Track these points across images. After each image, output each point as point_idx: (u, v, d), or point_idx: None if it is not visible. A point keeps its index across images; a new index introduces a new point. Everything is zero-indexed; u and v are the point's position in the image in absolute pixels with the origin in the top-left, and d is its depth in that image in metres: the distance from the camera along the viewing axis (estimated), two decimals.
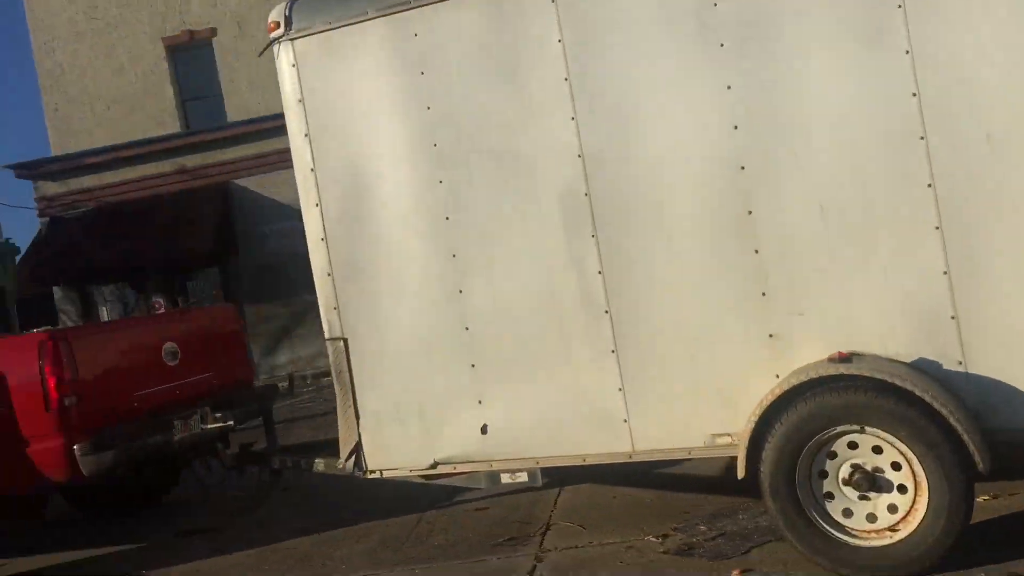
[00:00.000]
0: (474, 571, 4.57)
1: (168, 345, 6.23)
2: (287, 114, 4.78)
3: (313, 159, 4.69)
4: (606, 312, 4.21)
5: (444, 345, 4.51)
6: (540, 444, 4.39)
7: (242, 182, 19.39)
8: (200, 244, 18.46)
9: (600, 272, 4.20)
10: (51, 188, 19.88)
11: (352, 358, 4.69)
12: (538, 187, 4.29)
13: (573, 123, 4.18)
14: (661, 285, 4.11)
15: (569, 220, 4.24)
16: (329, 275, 4.72)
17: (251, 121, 19.11)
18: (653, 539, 4.57)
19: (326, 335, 4.79)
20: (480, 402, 4.47)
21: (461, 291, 4.46)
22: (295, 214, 17.49)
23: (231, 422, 6.27)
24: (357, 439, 4.73)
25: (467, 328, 4.47)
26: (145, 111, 21.10)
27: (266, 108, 20.29)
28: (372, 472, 4.73)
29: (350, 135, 4.62)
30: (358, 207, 4.62)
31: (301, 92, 4.69)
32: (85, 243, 19.07)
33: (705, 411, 4.06)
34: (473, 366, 4.47)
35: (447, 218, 4.46)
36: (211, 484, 6.12)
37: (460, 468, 4.57)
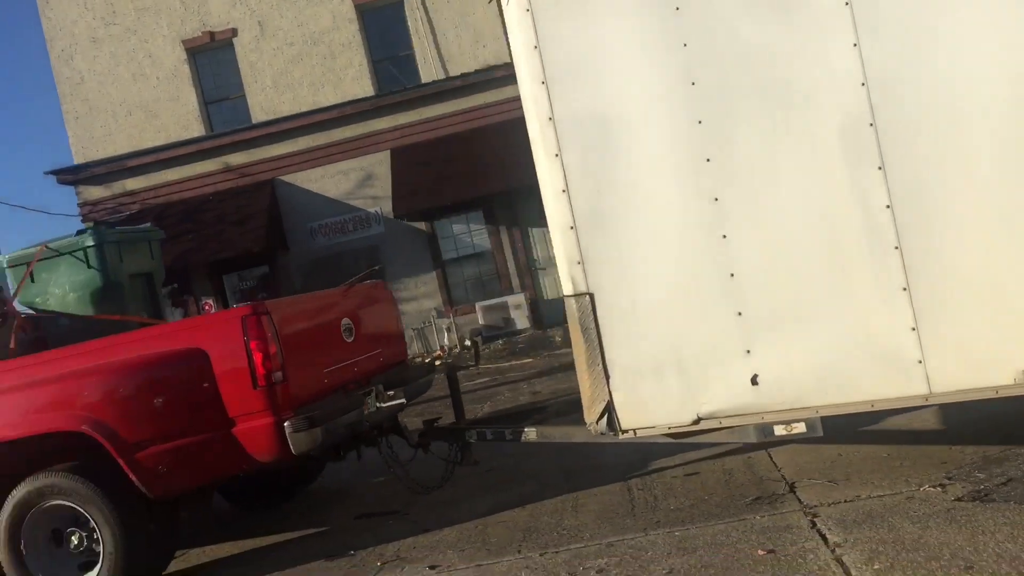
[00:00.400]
0: (745, 529, 4.36)
1: (345, 321, 6.02)
2: (519, 63, 4.56)
3: (551, 107, 4.47)
4: (896, 248, 4.00)
5: (706, 294, 4.31)
6: (819, 392, 4.18)
7: (288, 178, 19.17)
8: (250, 242, 18.23)
9: (888, 206, 4.00)
10: (94, 193, 19.65)
11: (599, 314, 4.48)
12: (813, 121, 4.08)
13: (855, 49, 3.97)
14: (960, 216, 3.90)
15: (851, 153, 4.03)
16: (572, 228, 4.51)
17: (296, 116, 18.94)
18: (931, 488, 4.36)
19: (567, 291, 4.58)
20: (748, 352, 4.27)
21: (725, 236, 4.26)
22: (344, 208, 17.33)
23: (403, 400, 6.07)
24: (608, 399, 4.52)
25: (732, 275, 4.26)
26: (168, 115, 20.87)
27: (291, 107, 20.14)
28: (625, 432, 4.52)
29: (594, 80, 4.41)
30: (604, 155, 4.41)
31: (536, 38, 4.47)
32: None
33: (1015, 347, 3.85)
34: (740, 314, 4.26)
35: (708, 160, 4.25)
36: (395, 463, 5.89)
37: (726, 423, 4.36)
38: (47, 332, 6.60)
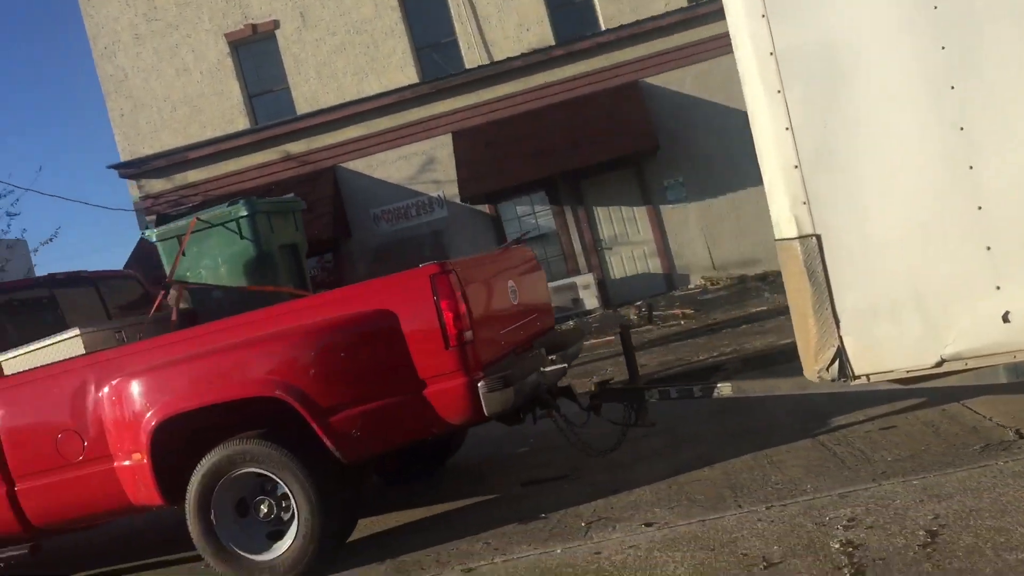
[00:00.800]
0: (994, 474, 4.17)
1: (511, 283, 5.88)
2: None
3: (772, 42, 4.28)
4: None
5: (949, 229, 4.12)
6: None
7: (349, 165, 19.09)
8: (316, 229, 18.10)
9: None
10: (156, 186, 19.65)
11: (827, 255, 4.30)
12: None
13: None
14: None
15: None
16: (796, 168, 4.33)
17: (356, 102, 18.86)
18: None
19: (788, 235, 4.40)
20: (998, 288, 4.07)
21: (971, 167, 4.06)
22: (406, 193, 17.15)
23: (566, 364, 5.92)
24: (838, 344, 4.33)
25: (980, 207, 4.07)
26: (213, 110, 20.83)
27: (336, 97, 20.03)
28: (858, 378, 4.34)
29: (821, 9, 4.21)
30: (833, 88, 4.23)
31: None
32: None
33: None
34: (988, 249, 4.07)
35: (952, 87, 4.05)
36: (565, 427, 5.73)
37: (973, 363, 4.17)
38: (198, 305, 6.50)
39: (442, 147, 18.65)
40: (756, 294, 15.09)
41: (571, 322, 15.86)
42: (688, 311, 14.38)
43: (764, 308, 12.73)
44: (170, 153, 19.23)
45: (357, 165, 19.10)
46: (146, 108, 20.94)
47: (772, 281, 16.38)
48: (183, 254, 6.37)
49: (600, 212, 18.52)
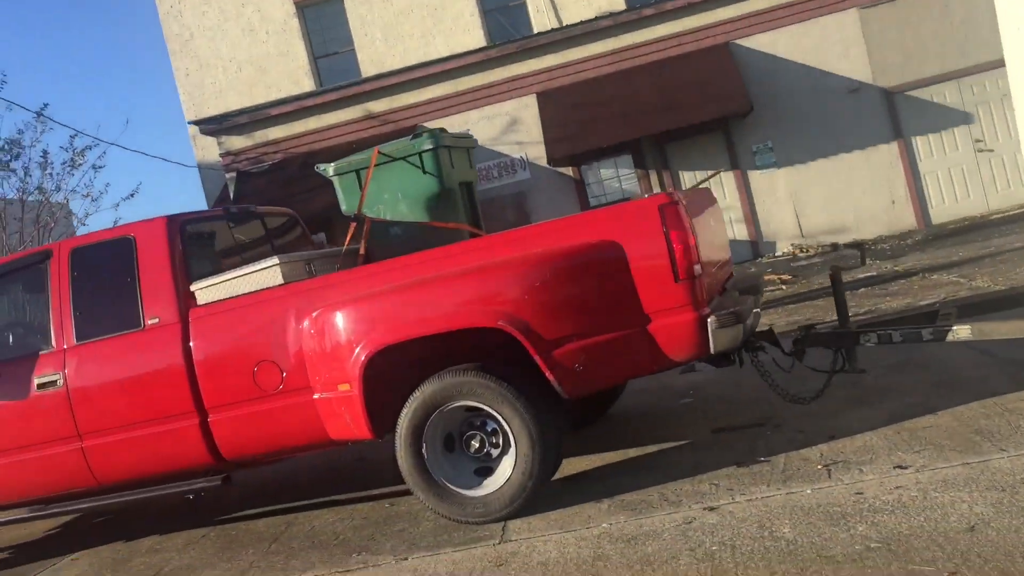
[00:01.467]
0: None
1: (712, 221, 5.67)
2: None
3: None
4: None
5: None
6: None
7: (431, 125, 18.87)
8: None
9: None
10: (237, 142, 19.58)
11: None
12: None
13: None
14: None
15: None
16: None
17: (440, 60, 18.68)
18: None
19: None
20: None
21: None
22: (489, 154, 16.96)
23: (758, 309, 5.71)
24: None
25: None
26: (278, 71, 20.73)
27: (401, 60, 19.84)
28: None
29: None
30: None
31: None
32: (274, 196, 18.75)
33: None
34: None
35: None
36: (768, 373, 5.53)
37: None
38: (374, 241, 6.34)
39: (526, 108, 18.42)
40: (853, 260, 14.76)
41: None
42: (785, 277, 14.11)
43: (873, 273, 12.42)
44: (252, 110, 19.13)
45: (441, 124, 18.88)
46: (211, 68, 20.89)
47: (867, 248, 16.05)
48: (359, 187, 6.21)
49: (685, 176, 18.22)
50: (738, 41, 17.79)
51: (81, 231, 19.07)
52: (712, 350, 4.78)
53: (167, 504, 7.15)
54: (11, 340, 6.05)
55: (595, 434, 6.34)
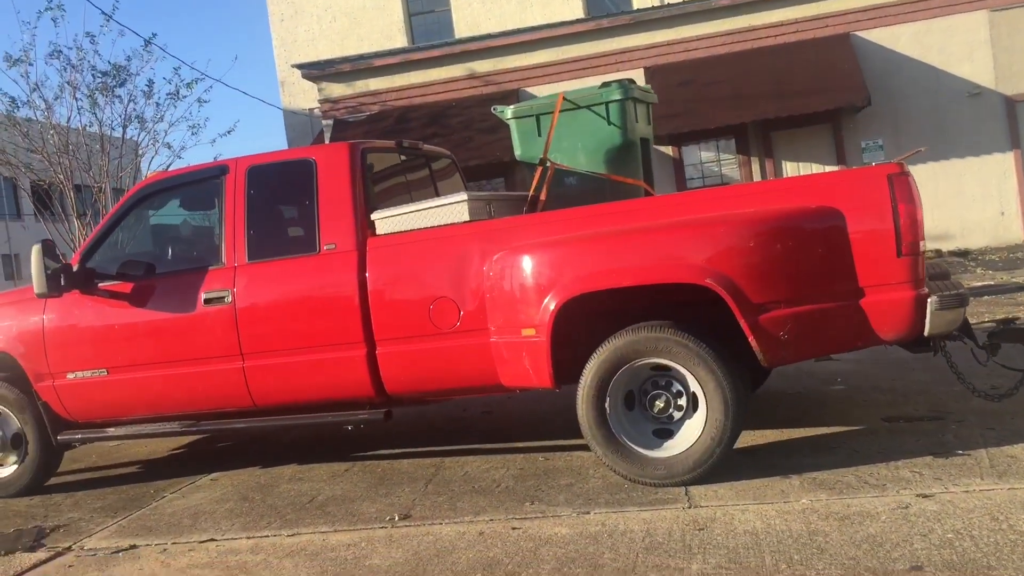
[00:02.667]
0: None
1: None
2: None
3: None
4: None
5: None
6: None
7: (534, 90, 18.73)
8: (497, 152, 17.85)
9: None
10: (337, 90, 19.52)
11: None
12: None
13: None
14: None
15: None
16: None
17: (547, 26, 18.45)
18: None
19: None
20: None
21: None
22: None
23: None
24: None
25: None
26: (371, 24, 20.70)
27: (497, 24, 19.62)
28: None
29: None
30: None
31: None
32: None
33: None
34: None
35: None
36: (958, 367, 5.26)
37: None
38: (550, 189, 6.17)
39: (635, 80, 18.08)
40: (962, 268, 14.31)
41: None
42: None
43: (987, 282, 12.01)
44: (356, 59, 19.07)
45: (542, 91, 18.62)
46: (306, 16, 20.93)
47: (974, 258, 15.57)
48: (538, 134, 6.04)
49: (788, 167, 17.82)
50: (858, 33, 17.30)
51: (176, 164, 19.19)
52: (926, 332, 4.55)
53: (300, 434, 7.11)
54: (180, 253, 5.98)
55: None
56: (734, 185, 5.00)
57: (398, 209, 5.43)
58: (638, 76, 17.92)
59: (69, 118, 16.56)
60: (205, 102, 21.11)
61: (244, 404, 5.71)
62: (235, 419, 5.80)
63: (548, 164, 5.76)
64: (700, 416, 4.68)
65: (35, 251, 5.67)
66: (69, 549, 4.92)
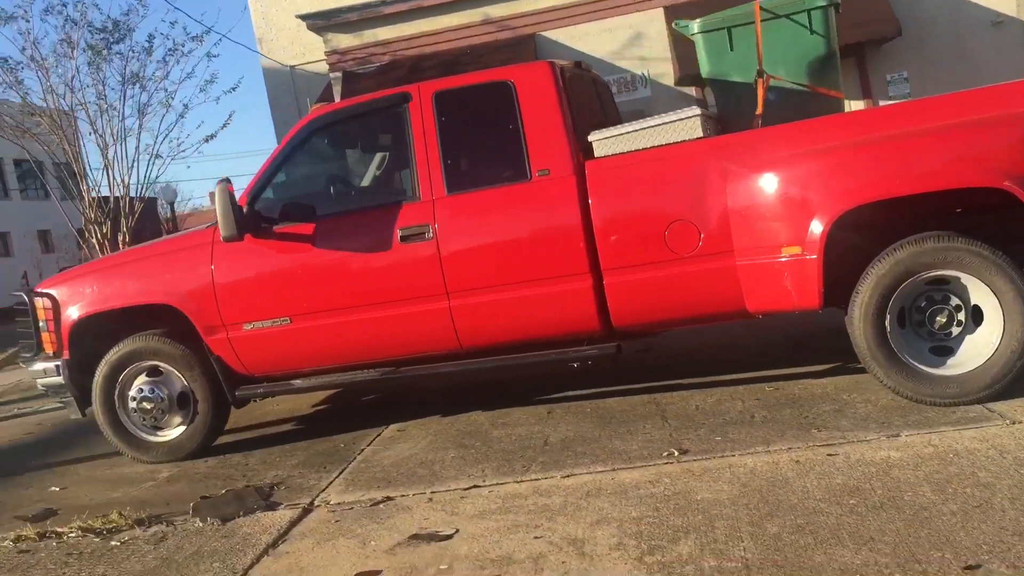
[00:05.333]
0: None
1: None
2: None
3: None
4: None
5: None
6: None
7: (550, 34, 18.21)
8: None
9: None
10: (344, 41, 18.83)
11: None
12: None
13: None
14: None
15: None
16: None
17: None
18: None
19: None
20: None
21: None
22: (608, 69, 16.27)
23: None
24: None
25: None
26: None
27: None
28: None
29: None
30: None
31: None
32: None
33: None
34: None
35: None
36: None
37: None
38: (740, 107, 5.86)
39: (651, 22, 17.71)
40: None
41: None
42: None
43: None
44: (363, 7, 18.35)
45: (559, 35, 18.21)
46: None
47: None
48: (730, 48, 5.70)
49: None
50: None
51: (182, 124, 18.44)
52: None
53: (440, 384, 6.76)
54: (362, 189, 5.55)
55: None
56: (987, 87, 4.69)
57: (617, 129, 5.08)
58: (658, 15, 17.54)
59: (74, 76, 15.70)
60: (215, 56, 20.15)
61: (449, 347, 5.35)
62: (442, 363, 5.42)
63: (764, 76, 5.41)
64: (989, 329, 4.46)
65: (220, 191, 5.21)
66: (313, 504, 4.55)
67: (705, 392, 5.48)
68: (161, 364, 5.76)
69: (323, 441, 5.79)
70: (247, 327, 5.55)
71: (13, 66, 15.92)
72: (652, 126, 4.98)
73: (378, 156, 5.88)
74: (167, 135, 16.91)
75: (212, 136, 17.44)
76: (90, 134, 16.55)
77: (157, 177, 17.98)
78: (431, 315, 5.26)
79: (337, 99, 18.40)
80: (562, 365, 5.32)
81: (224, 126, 21.34)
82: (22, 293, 5.96)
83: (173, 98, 17.85)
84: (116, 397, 5.80)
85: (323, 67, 22.03)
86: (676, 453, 4.44)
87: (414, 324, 5.31)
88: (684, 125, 4.92)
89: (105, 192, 16.39)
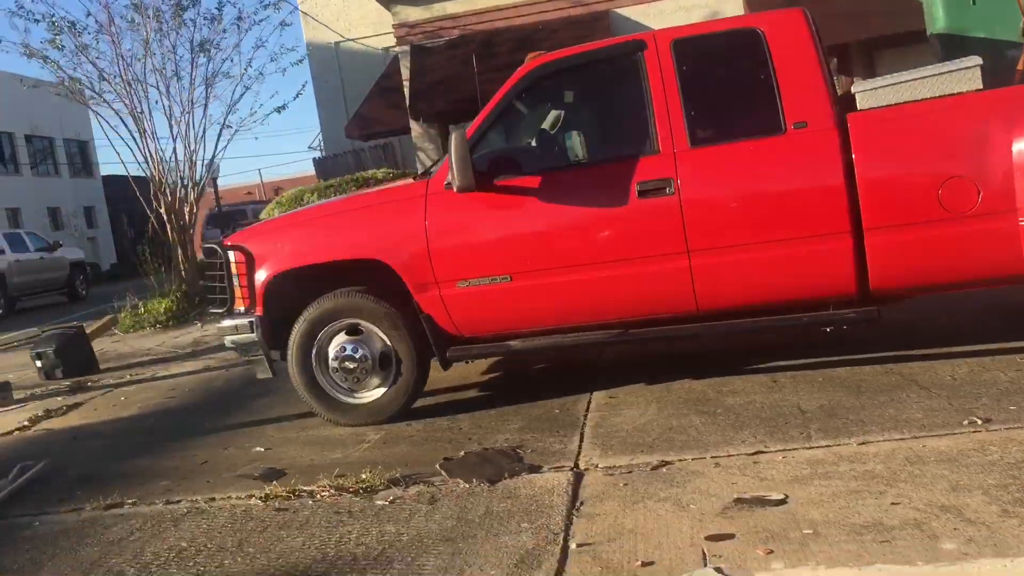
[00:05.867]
0: None
1: None
2: None
3: None
4: None
5: None
6: None
7: (624, 11, 17.93)
8: None
9: None
10: (413, 14, 18.53)
11: None
12: None
13: None
14: None
15: None
16: None
17: None
18: None
19: None
20: None
21: None
22: None
23: None
24: None
25: None
26: None
27: None
28: None
29: None
30: None
31: None
32: (452, 74, 17.86)
33: None
34: None
35: None
36: None
37: None
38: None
39: (728, 1, 17.40)
40: None
41: None
42: None
43: None
44: None
45: (633, 12, 17.93)
46: None
47: None
48: (972, 3, 5.40)
49: None
50: None
51: (247, 97, 18.12)
52: None
53: (616, 351, 6.49)
54: (590, 141, 5.26)
55: None
56: None
57: (884, 80, 4.81)
58: None
59: (148, 39, 15.38)
60: (288, 25, 19.88)
61: (684, 308, 5.09)
62: (674, 326, 5.15)
63: None
64: None
65: (456, 137, 4.93)
66: (578, 467, 4.28)
67: (946, 363, 5.20)
68: (362, 322, 5.48)
69: (532, 407, 5.51)
70: (461, 285, 5.27)
71: (80, 31, 15.62)
72: (926, 76, 4.70)
73: (605, 108, 5.58)
74: (235, 104, 16.59)
75: (284, 107, 16.95)
76: (156, 102, 16.25)
77: (225, 147, 17.65)
78: (669, 274, 4.99)
79: (405, 74, 18.11)
80: (742, 335, 4.99)
81: (297, 96, 20.94)
82: (214, 246, 5.68)
83: (250, 65, 17.56)
84: (313, 356, 5.52)
85: (370, 44, 21.83)
86: (978, 422, 4.16)
87: (649, 284, 5.04)
88: (963, 76, 4.64)
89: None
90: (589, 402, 5.46)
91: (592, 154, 5.20)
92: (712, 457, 4.19)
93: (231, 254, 5.58)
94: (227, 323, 5.67)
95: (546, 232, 5.15)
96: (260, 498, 4.32)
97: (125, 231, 37.27)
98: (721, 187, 4.95)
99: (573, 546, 3.38)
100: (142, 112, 15.63)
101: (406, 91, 17.72)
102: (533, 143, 5.55)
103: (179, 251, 15.81)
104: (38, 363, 9.54)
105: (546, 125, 5.30)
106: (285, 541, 3.78)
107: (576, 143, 5.09)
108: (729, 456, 4.18)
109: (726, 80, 5.15)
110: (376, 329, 5.46)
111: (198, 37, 16.39)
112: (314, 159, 26.05)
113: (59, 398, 8.13)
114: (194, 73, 16.43)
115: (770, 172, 4.89)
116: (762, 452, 4.17)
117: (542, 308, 5.23)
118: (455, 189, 4.96)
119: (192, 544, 3.86)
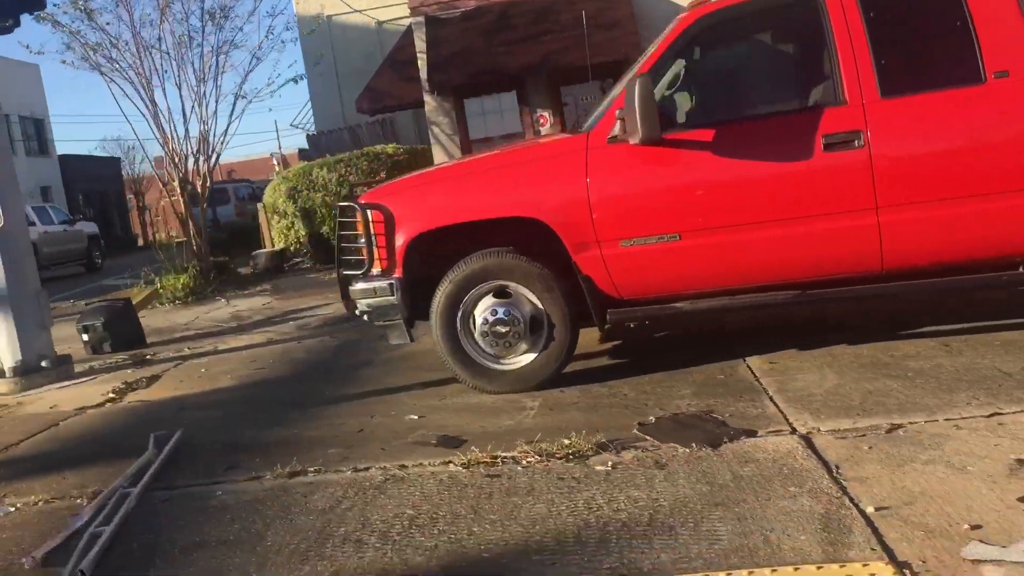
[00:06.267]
0: None
1: None
2: None
3: None
4: None
5: None
6: None
7: None
8: (609, 53, 16.85)
9: None
10: None
11: None
12: None
13: None
14: None
15: None
16: None
17: None
18: None
19: None
20: None
21: None
22: None
23: None
24: None
25: None
26: None
27: None
28: None
29: None
30: None
31: None
32: (467, 47, 17.52)
33: None
34: None
35: None
36: None
37: None
38: None
39: None
40: None
41: None
42: None
43: None
44: None
45: None
46: None
47: None
48: None
49: None
50: None
51: (259, 67, 17.57)
52: None
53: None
54: (763, 92, 5.00)
55: None
56: None
57: None
58: None
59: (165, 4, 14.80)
60: None
61: (869, 267, 4.87)
62: (857, 287, 4.92)
63: None
64: None
65: (641, 84, 4.63)
66: (796, 431, 4.04)
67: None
68: (511, 284, 5.17)
69: (687, 373, 5.26)
70: (624, 244, 4.99)
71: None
72: None
73: (782, 57, 5.32)
74: (250, 72, 16.06)
75: (301, 76, 16.44)
76: (166, 72, 15.66)
77: (239, 118, 17.09)
78: (855, 232, 4.76)
79: (420, 46, 17.67)
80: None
81: (316, 63, 20.36)
82: (353, 204, 5.32)
83: (272, 32, 17.01)
84: (459, 320, 5.21)
85: (360, 18, 21.39)
86: None
87: (832, 242, 4.81)
88: None
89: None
90: (748, 369, 5.20)
91: (770, 106, 4.93)
92: (946, 420, 3.97)
93: (369, 213, 5.22)
94: (361, 286, 5.32)
95: (719, 188, 4.89)
96: (461, 465, 4.01)
97: (82, 211, 36.35)
98: (914, 140, 4.72)
99: (870, 509, 3.14)
100: (156, 84, 15.07)
101: (420, 63, 17.30)
102: (694, 97, 5.26)
103: (191, 226, 15.33)
104: (85, 336, 9.08)
105: (715, 77, 5.02)
106: (524, 508, 3.49)
107: (747, 93, 4.81)
108: (963, 418, 3.96)
109: (918, 27, 4.92)
110: (527, 291, 5.15)
111: (210, 3, 15.82)
112: (308, 135, 25.53)
113: (128, 371, 7.70)
114: (204, 43, 15.86)
115: (968, 124, 4.67)
116: (999, 413, 3.96)
117: (712, 268, 4.98)
118: (638, 141, 4.66)
119: (419, 512, 3.55)
